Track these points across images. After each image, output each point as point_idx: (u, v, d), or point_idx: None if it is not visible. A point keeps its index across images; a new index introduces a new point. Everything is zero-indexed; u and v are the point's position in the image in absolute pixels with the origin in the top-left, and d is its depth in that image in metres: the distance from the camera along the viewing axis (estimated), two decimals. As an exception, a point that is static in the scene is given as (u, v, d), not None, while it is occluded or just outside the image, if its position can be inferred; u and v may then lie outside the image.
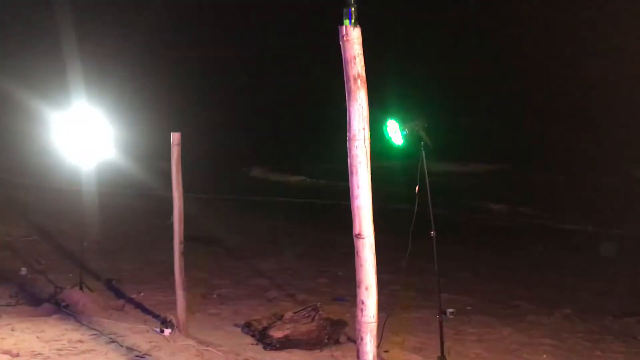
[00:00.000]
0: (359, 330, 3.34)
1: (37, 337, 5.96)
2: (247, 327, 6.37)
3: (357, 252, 3.30)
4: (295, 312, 6.27)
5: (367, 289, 3.31)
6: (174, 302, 6.61)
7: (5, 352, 5.47)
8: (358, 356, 3.35)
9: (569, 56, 24.86)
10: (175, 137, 6.06)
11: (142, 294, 7.64)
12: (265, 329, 6.07)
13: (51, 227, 10.67)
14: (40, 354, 5.52)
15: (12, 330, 6.12)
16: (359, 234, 3.27)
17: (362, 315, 3.32)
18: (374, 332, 3.33)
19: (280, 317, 6.29)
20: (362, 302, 3.31)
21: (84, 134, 7.12)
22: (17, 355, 5.46)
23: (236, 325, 6.61)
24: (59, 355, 5.52)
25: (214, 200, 15.61)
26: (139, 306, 7.22)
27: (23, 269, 8.47)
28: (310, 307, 6.40)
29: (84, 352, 5.64)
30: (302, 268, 9.65)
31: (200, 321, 6.68)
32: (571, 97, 24.59)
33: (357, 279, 3.34)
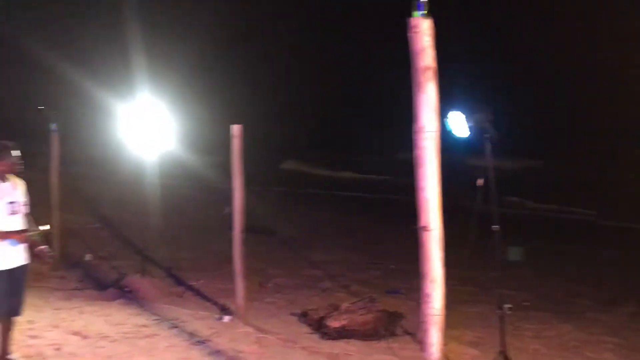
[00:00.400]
0: (424, 322, 3.35)
1: (105, 320, 6.23)
2: (304, 317, 6.46)
3: (423, 244, 3.31)
4: (351, 303, 6.33)
5: (432, 281, 3.31)
6: (232, 290, 6.77)
7: (76, 333, 5.74)
8: (423, 348, 3.38)
9: (610, 53, 24.02)
10: (235, 129, 6.18)
11: (201, 282, 7.84)
12: (321, 318, 6.14)
13: (114, 216, 11.06)
14: (107, 336, 5.76)
15: (81, 313, 6.41)
16: (425, 227, 3.27)
17: (427, 307, 3.33)
18: (439, 324, 3.34)
19: (337, 308, 6.36)
20: (428, 295, 3.32)
21: (147, 126, 7.35)
22: (87, 337, 5.72)
23: (292, 314, 6.71)
24: (126, 338, 5.75)
25: (265, 192, 15.80)
26: (198, 293, 7.42)
27: (88, 255, 8.82)
28: (366, 298, 6.45)
29: (148, 336, 5.85)
30: (355, 260, 9.69)
31: (258, 309, 6.80)
32: (611, 92, 23.77)
33: (422, 271, 3.35)
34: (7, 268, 4.61)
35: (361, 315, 6.05)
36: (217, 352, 5.42)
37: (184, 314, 6.54)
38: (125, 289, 7.25)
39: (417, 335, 5.93)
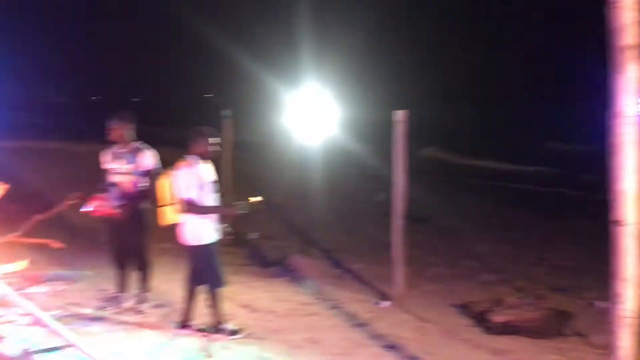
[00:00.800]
0: (614, 324, 3.09)
1: (270, 295, 6.58)
2: (465, 309, 6.30)
3: (616, 240, 3.03)
4: (517, 298, 6.05)
5: (625, 280, 3.04)
6: (390, 276, 6.79)
7: (245, 306, 6.11)
8: (611, 352, 3.11)
9: None
10: (399, 114, 6.15)
11: (358, 266, 7.96)
12: (484, 312, 5.94)
13: (277, 199, 11.56)
14: (274, 311, 6.08)
15: (249, 287, 6.82)
16: (619, 221, 3.00)
17: (617, 308, 3.06)
18: (631, 327, 3.06)
19: (500, 302, 6.12)
20: (619, 295, 3.05)
21: (312, 114, 7.59)
22: (255, 310, 6.07)
23: (452, 305, 6.57)
24: (290, 314, 6.02)
25: (413, 179, 15.56)
26: (356, 277, 7.54)
27: (254, 233, 9.34)
28: (533, 294, 6.13)
29: (311, 314, 6.07)
30: (517, 254, 9.22)
31: (416, 297, 6.75)
32: None
33: (613, 269, 3.08)
34: (214, 241, 5.07)
35: (528, 311, 5.76)
36: (377, 336, 5.47)
37: (343, 295, 6.69)
38: (289, 268, 7.60)
39: (588, 337, 5.53)
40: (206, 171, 5.10)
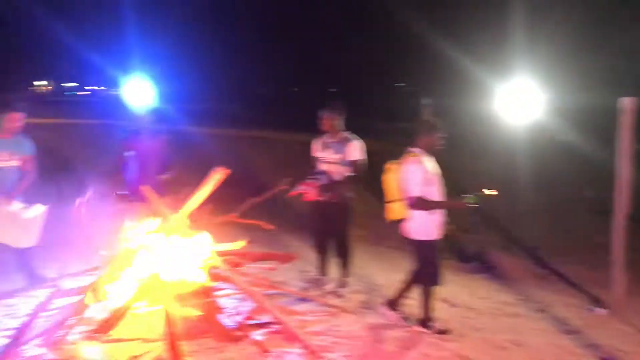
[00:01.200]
0: None
1: (469, 292, 6.35)
2: (700, 325, 5.46)
3: None
4: None
5: None
6: (603, 280, 6.16)
7: (444, 301, 5.97)
8: None
9: None
10: (627, 102, 5.49)
11: (566, 267, 7.34)
12: None
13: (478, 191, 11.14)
14: (473, 308, 5.86)
15: (446, 282, 6.63)
16: None
17: None
18: None
19: None
20: None
21: (520, 103, 7.13)
22: (454, 305, 5.91)
23: (683, 320, 5.75)
24: (490, 312, 5.76)
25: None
26: (563, 279, 6.95)
27: (450, 226, 9.07)
28: None
29: (513, 315, 5.74)
30: None
31: (637, 307, 6.01)
32: None
33: None
34: (438, 238, 5.05)
35: None
36: (592, 346, 4.99)
37: (548, 298, 6.22)
38: (488, 264, 7.28)
39: None
40: (432, 165, 4.92)
